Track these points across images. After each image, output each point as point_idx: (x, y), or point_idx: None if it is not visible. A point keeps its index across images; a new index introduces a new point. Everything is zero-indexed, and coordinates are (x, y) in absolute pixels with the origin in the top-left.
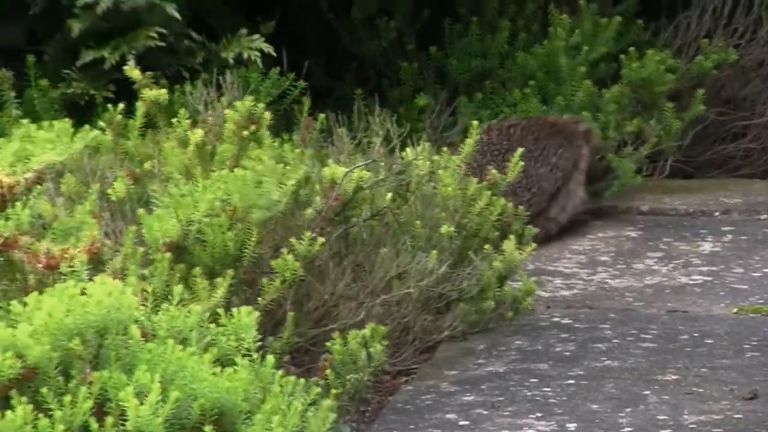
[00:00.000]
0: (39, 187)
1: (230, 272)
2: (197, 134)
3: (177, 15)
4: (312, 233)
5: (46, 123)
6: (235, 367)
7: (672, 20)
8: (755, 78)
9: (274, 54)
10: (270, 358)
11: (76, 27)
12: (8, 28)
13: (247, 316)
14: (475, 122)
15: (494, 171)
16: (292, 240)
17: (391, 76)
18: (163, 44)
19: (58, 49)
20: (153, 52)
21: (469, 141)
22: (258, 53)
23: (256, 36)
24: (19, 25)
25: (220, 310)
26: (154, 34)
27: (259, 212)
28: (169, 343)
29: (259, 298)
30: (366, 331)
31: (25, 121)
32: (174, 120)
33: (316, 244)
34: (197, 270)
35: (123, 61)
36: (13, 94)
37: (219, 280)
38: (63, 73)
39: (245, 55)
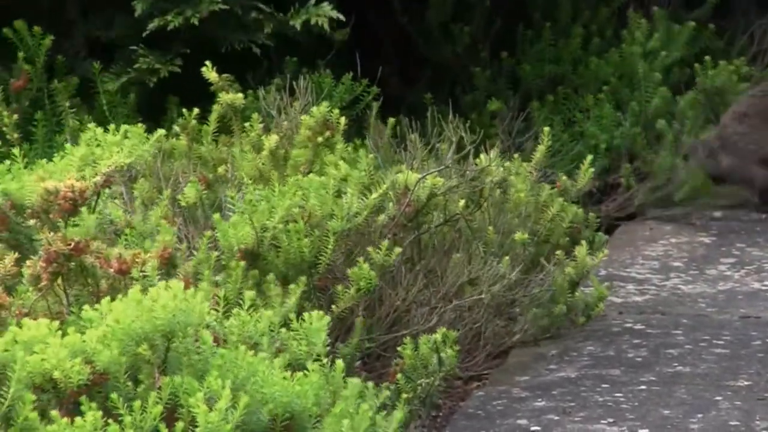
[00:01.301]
0: (107, 190)
1: (303, 279)
2: (272, 139)
3: None
4: (387, 240)
5: (113, 126)
6: (306, 372)
7: (747, 27)
8: None
9: (343, 19)
10: (339, 363)
11: (139, 6)
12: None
13: (318, 321)
14: (547, 129)
15: (564, 178)
16: (369, 249)
17: (464, 83)
18: (227, 7)
19: (125, 31)
20: (217, 18)
21: (541, 147)
22: (326, 19)
23: (325, 3)
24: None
25: (292, 315)
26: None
27: (338, 222)
28: (240, 348)
29: (333, 306)
30: (437, 336)
31: (91, 125)
32: (247, 125)
33: (393, 253)
34: (271, 276)
35: (188, 26)
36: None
37: (293, 286)
38: (130, 51)
39: (313, 21)
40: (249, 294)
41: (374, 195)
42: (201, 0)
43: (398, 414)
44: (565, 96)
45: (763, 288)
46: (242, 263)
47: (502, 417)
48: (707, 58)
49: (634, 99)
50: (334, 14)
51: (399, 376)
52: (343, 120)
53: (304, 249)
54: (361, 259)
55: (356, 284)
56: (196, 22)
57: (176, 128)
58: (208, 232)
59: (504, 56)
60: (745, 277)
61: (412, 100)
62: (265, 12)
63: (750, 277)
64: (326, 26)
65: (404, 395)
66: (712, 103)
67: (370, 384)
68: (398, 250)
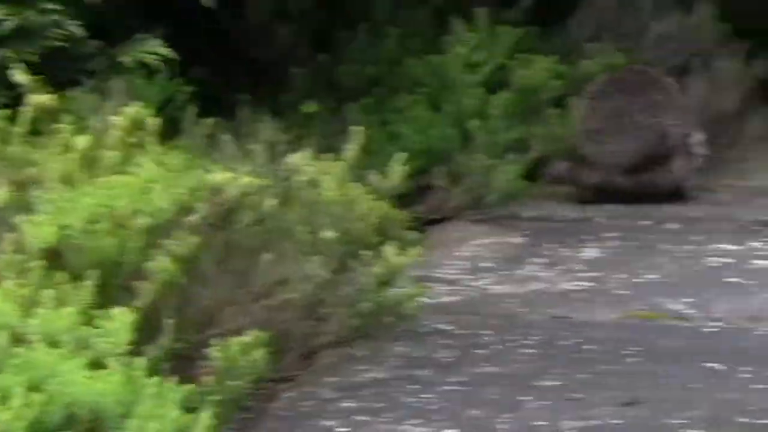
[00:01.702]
0: None
1: (97, 274)
2: (81, 140)
3: (79, 31)
4: (192, 237)
5: None
6: (108, 371)
7: (560, 26)
8: None
9: (176, 57)
10: (141, 360)
11: None
12: None
13: (121, 318)
14: (359, 128)
15: (376, 177)
16: (168, 241)
17: (283, 83)
18: (64, 45)
19: None
20: (53, 57)
21: (353, 147)
22: (155, 56)
23: (153, 40)
24: None
25: (96, 313)
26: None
27: (144, 219)
28: (38, 346)
29: (136, 302)
30: (247, 337)
31: None
32: (57, 125)
33: (191, 244)
34: (69, 275)
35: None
36: None
37: (87, 282)
38: None
39: (143, 59)
40: (49, 293)
41: (180, 190)
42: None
43: (205, 416)
44: (381, 97)
45: (573, 288)
46: (43, 261)
47: (310, 418)
48: (521, 56)
49: (450, 100)
50: (165, 51)
51: (208, 378)
52: (155, 121)
53: (108, 248)
54: (161, 251)
55: (157, 278)
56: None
57: None
58: (13, 234)
59: (322, 57)
60: (555, 278)
61: (232, 100)
62: (97, 47)
63: (560, 278)
64: (159, 66)
65: (212, 397)
66: (527, 101)
67: (177, 385)
68: (196, 239)
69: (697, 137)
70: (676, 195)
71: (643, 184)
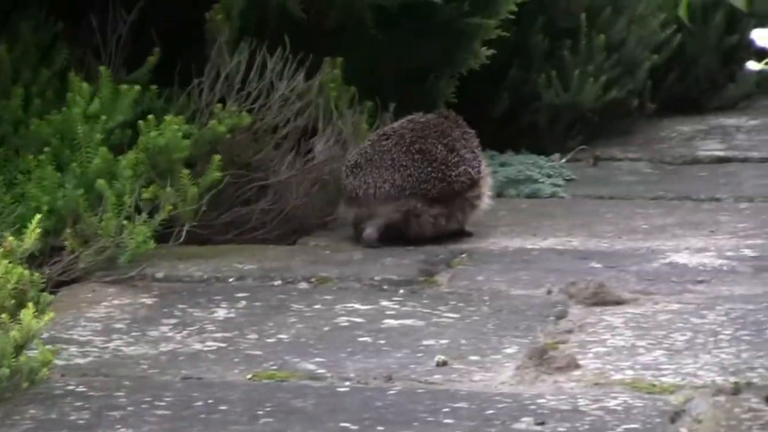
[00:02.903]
0: None
1: None
2: None
3: None
4: None
5: None
6: None
7: (186, 87)
8: (269, 142)
9: None
10: None
11: None
12: None
13: None
14: None
15: (11, 238)
16: None
17: None
18: None
19: None
20: None
21: None
22: None
23: None
24: None
25: None
26: None
27: None
28: None
29: None
30: None
31: None
32: None
33: None
34: None
35: None
36: None
37: None
38: None
39: None
40: None
41: None
42: None
43: None
44: (7, 157)
45: (205, 349)
46: None
47: None
48: (150, 116)
49: (76, 160)
50: None
51: None
52: None
53: None
54: None
55: None
56: None
57: None
58: None
59: None
60: (186, 338)
61: None
62: None
63: (192, 338)
64: None
65: None
66: (154, 161)
67: None
68: None
69: None
70: None
71: None
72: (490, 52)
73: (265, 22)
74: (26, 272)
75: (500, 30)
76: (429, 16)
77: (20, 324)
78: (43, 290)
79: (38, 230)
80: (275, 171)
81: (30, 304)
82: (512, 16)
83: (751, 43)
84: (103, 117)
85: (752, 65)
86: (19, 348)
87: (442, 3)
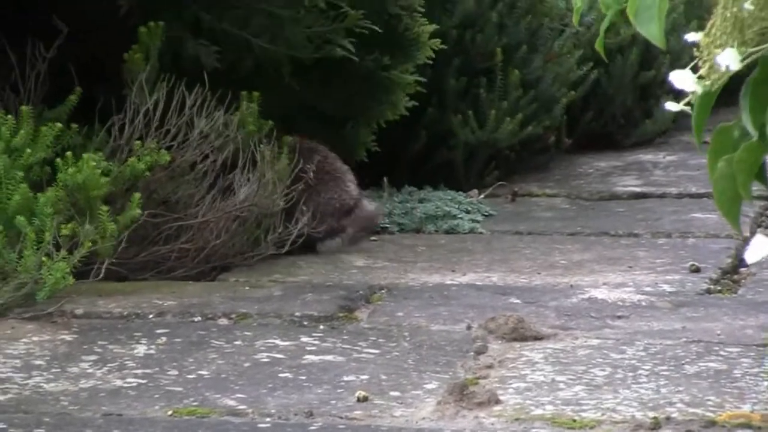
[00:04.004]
0: None
1: None
2: None
3: None
4: None
5: None
6: None
7: (105, 124)
8: (188, 180)
9: None
10: None
11: None
12: None
13: None
14: None
15: None
16: None
17: None
18: None
19: None
20: None
21: None
22: None
23: None
24: None
25: None
26: None
27: None
28: None
29: None
30: None
31: None
32: None
33: None
34: None
35: None
36: None
37: None
38: None
39: None
40: None
41: None
42: None
43: None
44: None
45: (125, 385)
46: None
47: None
48: (68, 153)
49: None
50: None
51: None
52: None
53: None
54: None
55: None
56: None
57: None
58: None
59: None
60: (107, 375)
61: None
62: None
63: (112, 375)
64: None
65: None
66: (73, 198)
67: None
68: None
69: None
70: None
71: None
72: (411, 103)
73: (183, 62)
74: None
75: (417, 74)
76: (346, 68)
77: None
78: None
79: None
80: (195, 208)
81: None
82: (429, 61)
83: (665, 80)
84: (28, 150)
85: (671, 106)
86: None
87: (358, 60)
